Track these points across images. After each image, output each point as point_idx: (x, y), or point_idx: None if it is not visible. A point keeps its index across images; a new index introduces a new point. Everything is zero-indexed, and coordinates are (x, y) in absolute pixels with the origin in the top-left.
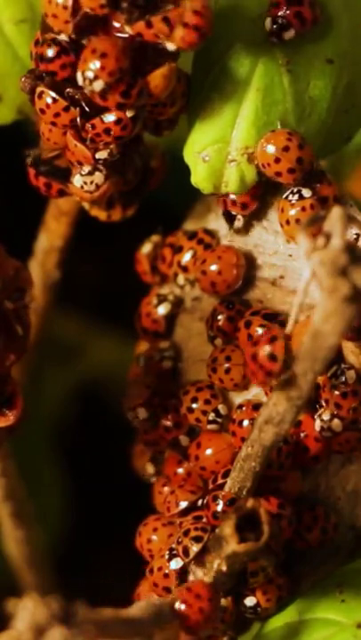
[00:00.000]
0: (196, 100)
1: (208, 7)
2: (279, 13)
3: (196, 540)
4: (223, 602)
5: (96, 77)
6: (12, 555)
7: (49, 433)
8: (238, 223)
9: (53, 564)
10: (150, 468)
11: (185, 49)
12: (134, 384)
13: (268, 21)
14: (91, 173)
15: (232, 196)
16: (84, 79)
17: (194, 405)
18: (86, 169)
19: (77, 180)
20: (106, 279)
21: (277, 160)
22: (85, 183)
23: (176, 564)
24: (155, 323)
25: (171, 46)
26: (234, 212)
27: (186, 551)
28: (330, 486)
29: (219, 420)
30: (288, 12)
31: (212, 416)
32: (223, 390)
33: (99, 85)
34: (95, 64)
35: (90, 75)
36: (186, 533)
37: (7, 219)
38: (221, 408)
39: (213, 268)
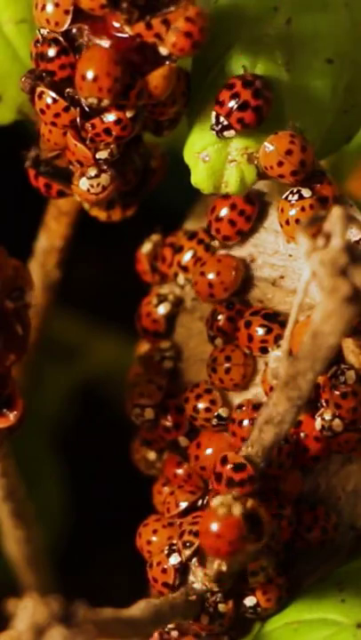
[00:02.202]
0: (196, 101)
1: (202, 15)
2: (222, 115)
3: (196, 534)
4: (222, 605)
5: (100, 100)
6: (12, 554)
7: (49, 433)
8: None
9: (53, 564)
10: (152, 455)
11: (177, 55)
12: (143, 383)
13: (212, 115)
14: (97, 176)
15: (216, 226)
16: (90, 105)
17: (196, 414)
18: (92, 172)
19: (84, 184)
20: (106, 279)
21: (280, 163)
22: (92, 186)
23: (175, 559)
24: (155, 323)
25: (163, 51)
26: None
27: (186, 546)
28: (330, 486)
29: (223, 422)
30: (231, 116)
31: (215, 422)
32: (223, 390)
33: (106, 103)
34: (91, 90)
35: (93, 101)
36: (183, 532)
37: (7, 219)
38: (223, 411)
39: (212, 269)
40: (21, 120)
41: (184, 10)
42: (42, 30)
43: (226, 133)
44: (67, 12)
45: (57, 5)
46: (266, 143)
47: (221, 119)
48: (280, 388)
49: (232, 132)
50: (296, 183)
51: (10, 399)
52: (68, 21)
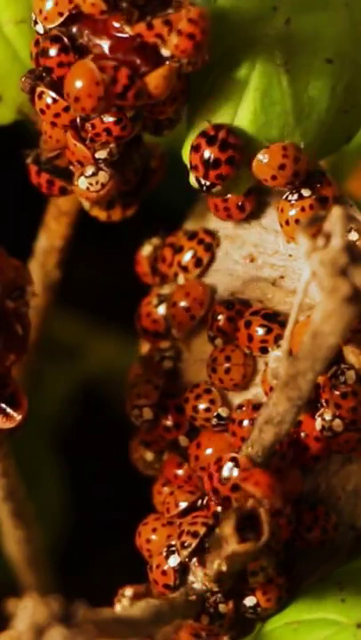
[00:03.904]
0: (196, 101)
1: (204, 16)
2: (201, 177)
3: (194, 534)
4: (222, 606)
5: (87, 116)
6: (12, 554)
7: (49, 433)
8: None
9: (53, 564)
10: (149, 455)
11: (180, 56)
12: (141, 383)
13: (192, 180)
14: (95, 174)
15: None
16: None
17: (196, 414)
18: (90, 171)
19: (82, 183)
20: (106, 279)
21: (274, 177)
22: (91, 184)
23: (174, 560)
24: (155, 323)
25: (166, 52)
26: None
27: (184, 545)
28: (330, 486)
29: (222, 422)
30: (208, 176)
31: (214, 421)
32: (223, 390)
33: (93, 117)
34: (76, 109)
35: (81, 115)
36: (182, 533)
37: (7, 219)
38: (222, 411)
39: (181, 294)
40: (21, 120)
41: (186, 11)
42: (39, 27)
43: (214, 190)
44: (60, 14)
45: (56, 4)
46: (259, 156)
47: (202, 181)
48: (280, 388)
49: (219, 188)
50: (292, 188)
51: (14, 399)
52: (58, 22)
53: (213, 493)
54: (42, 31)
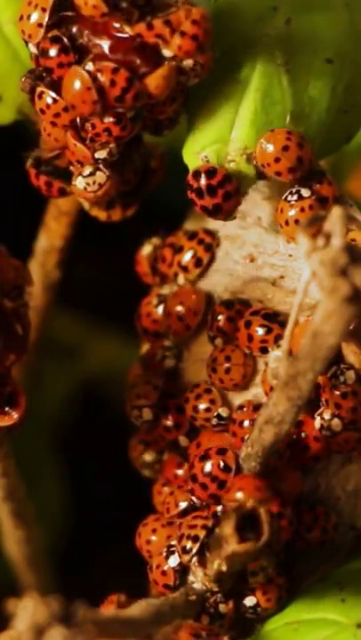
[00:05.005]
0: (196, 101)
1: (206, 17)
2: (214, 218)
3: (195, 538)
4: (223, 606)
5: (86, 119)
6: (12, 554)
7: (49, 433)
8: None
9: (53, 564)
10: (148, 457)
11: (182, 57)
12: (141, 384)
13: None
14: (92, 174)
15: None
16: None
17: (196, 414)
18: (87, 170)
19: (80, 182)
20: (106, 279)
21: (277, 160)
22: (88, 184)
23: (174, 561)
24: (155, 323)
25: (168, 53)
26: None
27: (185, 549)
28: (330, 486)
29: (223, 422)
30: (218, 216)
31: (215, 421)
32: (223, 390)
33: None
34: (73, 117)
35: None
36: (182, 537)
37: (7, 219)
38: (222, 411)
39: (175, 302)
40: (21, 120)
41: (186, 11)
42: (31, 47)
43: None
44: (40, 25)
45: (33, 20)
46: (262, 140)
47: (206, 210)
48: (280, 388)
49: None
50: (294, 181)
51: (12, 397)
52: (42, 34)
53: (192, 480)
54: (35, 50)
